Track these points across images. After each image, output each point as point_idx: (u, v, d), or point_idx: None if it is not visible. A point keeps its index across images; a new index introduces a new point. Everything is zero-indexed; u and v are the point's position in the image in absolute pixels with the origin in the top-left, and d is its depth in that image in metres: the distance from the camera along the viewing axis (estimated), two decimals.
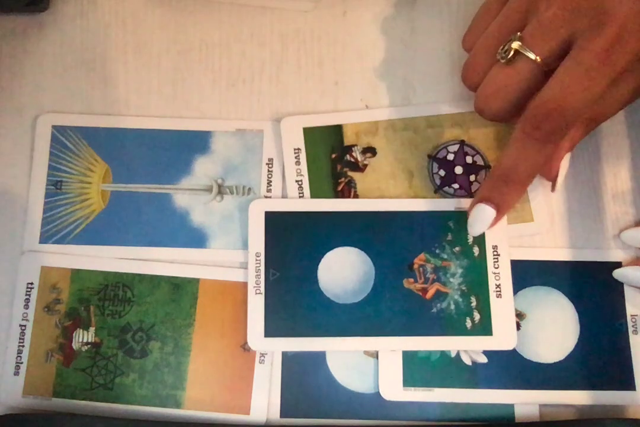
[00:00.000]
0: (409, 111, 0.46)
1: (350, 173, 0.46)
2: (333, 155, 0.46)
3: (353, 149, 0.46)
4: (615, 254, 0.45)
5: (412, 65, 0.47)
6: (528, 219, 0.45)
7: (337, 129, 0.46)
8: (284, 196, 0.45)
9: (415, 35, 0.48)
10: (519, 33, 0.38)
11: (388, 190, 0.45)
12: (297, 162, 0.45)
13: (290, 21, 0.48)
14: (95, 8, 0.47)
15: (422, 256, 0.44)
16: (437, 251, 0.44)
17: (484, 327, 0.43)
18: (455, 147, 0.46)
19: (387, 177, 0.46)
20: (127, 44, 0.47)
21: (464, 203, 0.45)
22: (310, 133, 0.46)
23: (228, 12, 0.48)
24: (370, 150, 0.46)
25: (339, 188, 0.45)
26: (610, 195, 0.46)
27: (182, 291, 0.44)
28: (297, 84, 0.47)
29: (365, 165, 0.46)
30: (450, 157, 0.46)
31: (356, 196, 0.45)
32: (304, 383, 0.43)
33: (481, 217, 0.41)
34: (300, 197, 0.45)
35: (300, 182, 0.45)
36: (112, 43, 0.47)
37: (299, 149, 0.46)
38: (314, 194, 0.45)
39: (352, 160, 0.46)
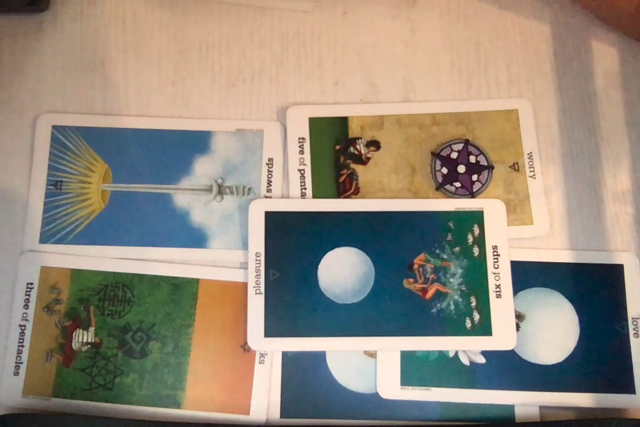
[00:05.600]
0: (415, 107, 0.47)
1: (353, 165, 0.46)
2: (337, 147, 0.46)
3: (357, 141, 0.46)
4: (616, 256, 0.45)
5: (412, 65, 0.47)
6: (528, 222, 0.45)
7: (343, 121, 0.46)
8: (284, 196, 0.46)
9: (415, 35, 0.48)
10: None
11: (389, 185, 0.45)
12: (301, 151, 0.46)
13: (290, 21, 0.48)
14: (95, 8, 0.47)
15: (422, 256, 0.44)
16: (437, 251, 0.44)
17: (484, 328, 0.43)
18: (460, 146, 0.46)
19: (390, 171, 0.46)
20: (127, 44, 0.47)
21: (464, 203, 0.45)
22: (315, 123, 0.46)
23: (228, 12, 0.48)
24: (374, 144, 0.46)
25: (341, 179, 0.45)
26: (610, 195, 0.46)
27: (182, 291, 0.44)
28: (297, 84, 0.47)
29: (369, 159, 0.46)
30: (454, 155, 0.46)
31: (357, 189, 0.45)
32: (304, 383, 0.43)
33: None
34: (301, 186, 0.45)
35: (302, 172, 0.45)
36: (112, 43, 0.47)
37: (303, 138, 0.46)
38: (316, 185, 0.45)
39: (356, 152, 0.46)
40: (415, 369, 0.43)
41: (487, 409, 0.43)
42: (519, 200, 0.45)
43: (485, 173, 0.46)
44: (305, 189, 0.45)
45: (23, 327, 0.43)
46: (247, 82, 0.47)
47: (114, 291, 0.44)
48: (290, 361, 0.43)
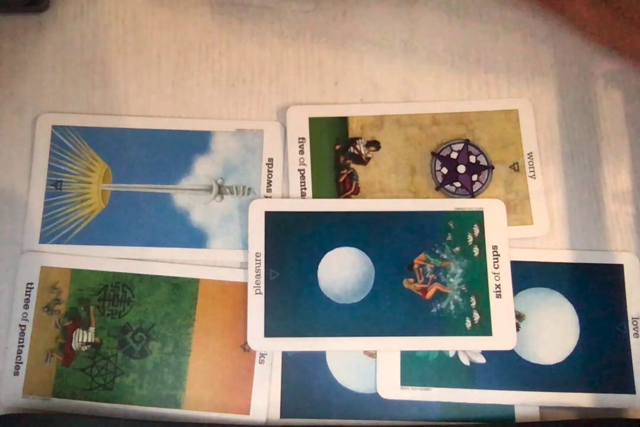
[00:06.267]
0: (415, 107, 0.46)
1: (353, 165, 0.46)
2: (337, 147, 0.46)
3: (357, 141, 0.46)
4: (616, 256, 0.45)
5: (412, 65, 0.47)
6: (528, 222, 0.45)
7: (343, 121, 0.46)
8: (284, 196, 0.46)
9: (415, 35, 0.48)
10: None
11: (389, 185, 0.45)
12: (301, 152, 0.46)
13: (290, 21, 0.48)
14: (95, 8, 0.47)
15: (422, 256, 0.44)
16: (437, 251, 0.44)
17: (484, 328, 0.43)
18: (460, 146, 0.46)
19: (390, 171, 0.46)
20: (127, 44, 0.47)
21: (464, 203, 0.45)
22: (315, 123, 0.46)
23: (228, 12, 0.48)
24: (375, 144, 0.46)
25: (341, 180, 0.45)
26: (610, 195, 0.46)
27: (182, 291, 0.44)
28: (297, 84, 0.47)
29: (369, 159, 0.46)
30: (454, 155, 0.46)
31: (357, 189, 0.45)
32: (304, 383, 0.43)
33: None
34: (301, 186, 0.45)
35: (302, 172, 0.45)
36: (112, 43, 0.47)
37: (303, 138, 0.46)
38: (316, 185, 0.45)
39: (356, 152, 0.46)
40: (415, 369, 0.43)
41: (487, 409, 0.43)
42: (519, 200, 0.45)
43: (485, 173, 0.46)
44: (305, 189, 0.45)
45: (23, 327, 0.43)
46: (247, 82, 0.47)
47: (114, 291, 0.44)
48: (290, 361, 0.43)
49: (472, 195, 0.45)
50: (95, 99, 0.46)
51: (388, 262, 0.44)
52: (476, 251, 0.44)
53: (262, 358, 0.43)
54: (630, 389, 0.43)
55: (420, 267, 0.44)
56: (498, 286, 0.43)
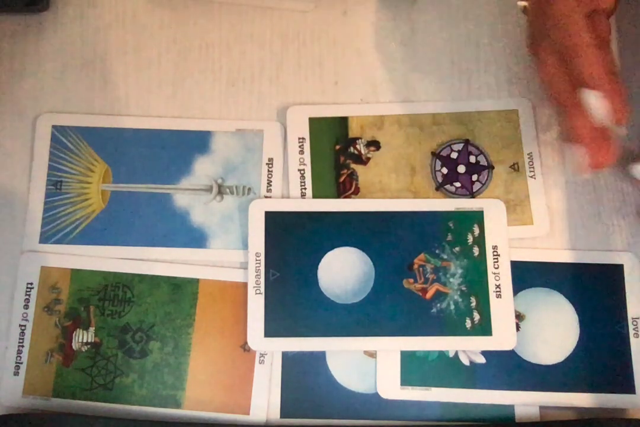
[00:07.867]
0: (415, 107, 0.47)
1: (353, 165, 0.46)
2: (337, 147, 0.46)
3: (357, 141, 0.46)
4: (616, 256, 0.45)
5: (412, 65, 0.47)
6: (528, 222, 0.45)
7: (343, 121, 0.46)
8: (284, 196, 0.46)
9: (415, 35, 0.48)
10: None
11: (389, 185, 0.45)
12: (301, 152, 0.46)
13: (290, 21, 0.48)
14: (95, 8, 0.47)
15: (422, 256, 0.44)
16: (437, 251, 0.44)
17: (484, 328, 0.43)
18: (460, 146, 0.46)
19: (390, 171, 0.46)
20: (127, 44, 0.47)
21: (464, 203, 0.45)
22: (315, 123, 0.46)
23: (228, 12, 0.48)
24: (375, 144, 0.46)
25: (341, 179, 0.45)
26: (610, 195, 0.46)
27: (182, 291, 0.44)
28: (297, 84, 0.47)
29: (369, 159, 0.46)
30: (454, 155, 0.46)
31: (357, 189, 0.45)
32: (304, 383, 0.43)
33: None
34: (301, 186, 0.45)
35: (302, 172, 0.45)
36: (112, 43, 0.47)
37: (303, 138, 0.46)
38: (316, 185, 0.45)
39: (356, 152, 0.46)
40: (415, 369, 0.43)
41: (487, 409, 0.43)
42: (519, 200, 0.45)
43: (485, 173, 0.46)
44: (305, 189, 0.45)
45: (23, 327, 0.43)
46: (247, 82, 0.47)
47: (114, 291, 0.44)
48: (290, 361, 0.43)
49: (472, 195, 0.45)
50: (95, 99, 0.46)
51: (388, 262, 0.44)
52: (476, 251, 0.44)
53: (262, 358, 0.43)
54: (630, 389, 0.43)
55: (420, 267, 0.44)
56: (498, 286, 0.43)
